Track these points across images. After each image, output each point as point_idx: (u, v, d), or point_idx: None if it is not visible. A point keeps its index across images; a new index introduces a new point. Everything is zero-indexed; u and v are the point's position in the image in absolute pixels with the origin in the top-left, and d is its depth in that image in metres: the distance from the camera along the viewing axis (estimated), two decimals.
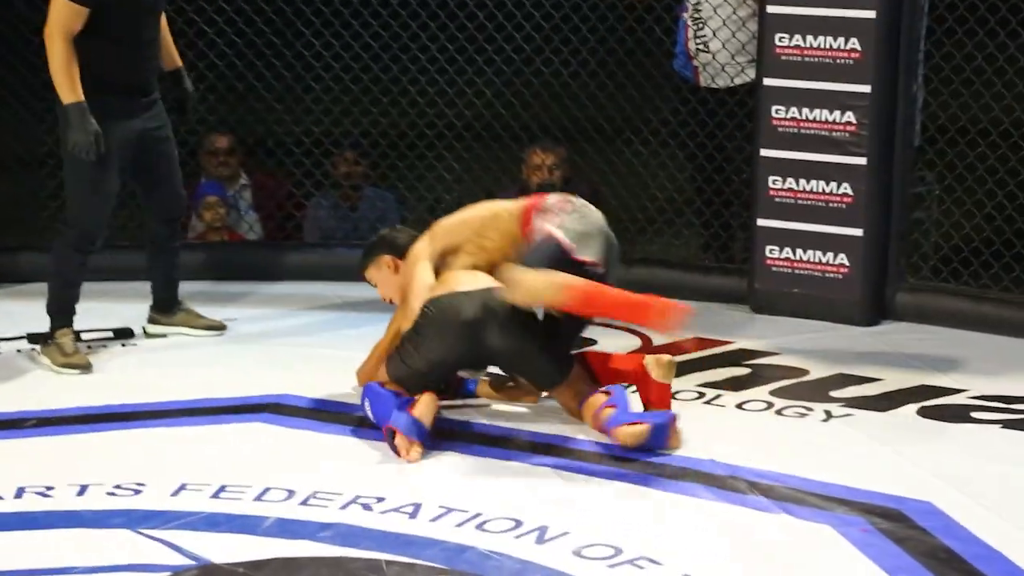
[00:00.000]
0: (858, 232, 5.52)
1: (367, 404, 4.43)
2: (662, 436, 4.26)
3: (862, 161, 5.48)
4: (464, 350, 4.40)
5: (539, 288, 4.26)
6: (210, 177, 6.52)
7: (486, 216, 4.63)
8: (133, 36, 4.87)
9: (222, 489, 3.99)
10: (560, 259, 4.35)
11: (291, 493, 3.97)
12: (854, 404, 4.68)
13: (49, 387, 4.84)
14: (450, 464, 4.23)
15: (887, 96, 5.47)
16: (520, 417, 4.56)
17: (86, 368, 4.96)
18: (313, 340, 5.36)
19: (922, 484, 4.04)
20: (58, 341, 4.99)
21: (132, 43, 4.86)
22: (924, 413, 4.62)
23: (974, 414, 4.60)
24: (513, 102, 6.27)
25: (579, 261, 4.37)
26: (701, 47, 5.92)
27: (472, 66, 6.21)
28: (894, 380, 4.92)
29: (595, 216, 4.55)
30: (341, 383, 4.84)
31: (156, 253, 5.26)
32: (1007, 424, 4.51)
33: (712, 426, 4.51)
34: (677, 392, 4.77)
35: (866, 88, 5.43)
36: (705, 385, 4.86)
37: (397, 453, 4.23)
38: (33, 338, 5.17)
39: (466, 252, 4.59)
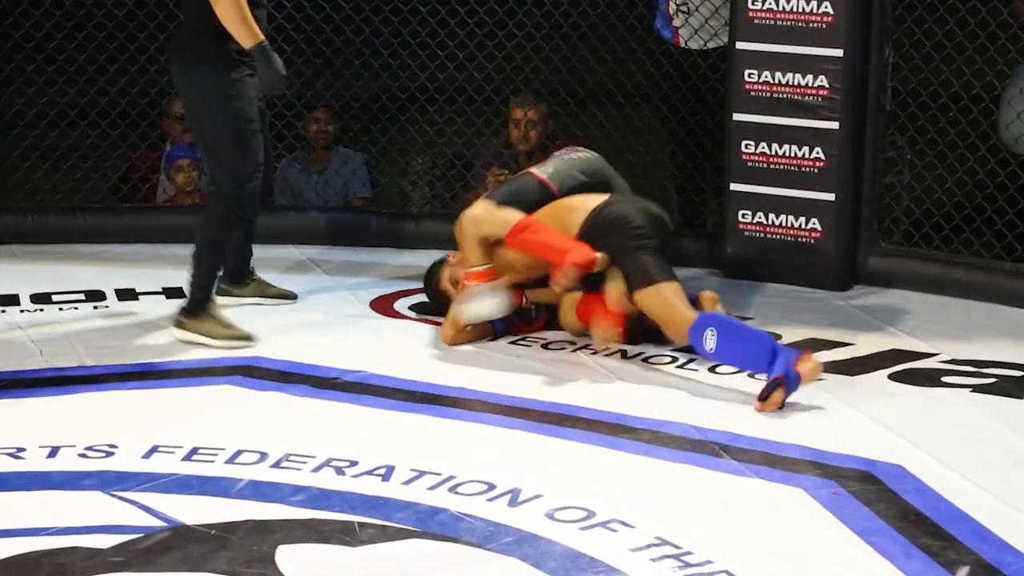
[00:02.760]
0: (830, 197, 5.52)
1: (711, 337, 4.40)
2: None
3: (834, 125, 5.47)
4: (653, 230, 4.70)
5: (485, 220, 4.79)
6: (176, 141, 6.48)
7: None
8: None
9: (194, 451, 3.98)
10: (533, 189, 4.89)
11: (263, 456, 3.96)
12: (826, 368, 4.65)
13: (18, 349, 4.81)
14: (422, 427, 4.23)
15: (859, 60, 5.46)
16: (494, 380, 4.56)
17: (250, 340, 4.81)
18: (285, 302, 5.33)
19: (893, 447, 4.07)
20: (213, 314, 4.83)
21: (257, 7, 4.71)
22: (895, 377, 4.64)
23: (945, 378, 4.62)
24: (486, 65, 6.24)
25: (552, 192, 4.89)
26: (681, 7, 5.90)
27: (444, 28, 6.18)
28: (866, 344, 4.94)
29: (594, 160, 5.03)
30: (313, 346, 4.85)
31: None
32: (977, 388, 4.53)
33: (685, 391, 4.53)
34: (649, 357, 4.79)
35: (838, 52, 5.43)
36: (678, 350, 4.85)
37: (763, 401, 4.28)
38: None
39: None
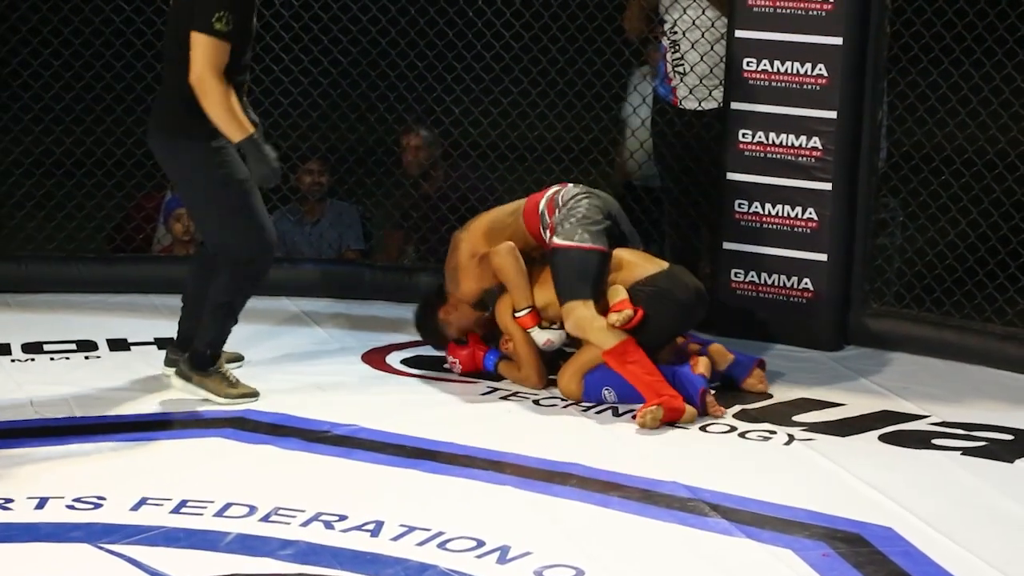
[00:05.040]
0: (823, 257, 5.54)
1: (609, 392, 4.80)
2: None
3: (827, 186, 5.50)
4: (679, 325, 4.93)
5: (591, 335, 4.79)
6: (173, 188, 6.48)
7: (508, 228, 5.04)
8: (242, 67, 4.69)
9: (183, 504, 3.96)
10: (581, 260, 4.84)
11: (252, 509, 3.95)
12: (816, 428, 4.70)
13: (8, 399, 4.79)
14: (412, 482, 4.22)
15: (852, 122, 5.49)
16: (484, 436, 4.55)
17: (255, 397, 4.78)
18: (277, 355, 5.34)
19: (882, 509, 4.06)
20: (220, 370, 4.78)
21: (240, 73, 4.67)
22: (885, 439, 4.64)
23: (935, 440, 4.62)
24: (481, 120, 6.28)
25: (590, 250, 4.86)
26: (677, 68, 5.94)
27: (441, 84, 6.22)
28: (857, 405, 4.94)
29: (599, 201, 4.99)
30: (304, 399, 4.84)
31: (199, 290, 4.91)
32: (967, 451, 4.53)
33: (675, 448, 4.53)
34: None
35: (832, 114, 5.46)
36: None
37: (706, 412, 4.69)
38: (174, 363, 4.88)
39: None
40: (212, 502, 3.97)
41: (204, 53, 4.51)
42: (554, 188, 5.09)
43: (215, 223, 4.74)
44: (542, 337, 4.96)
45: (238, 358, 5.15)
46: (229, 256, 4.73)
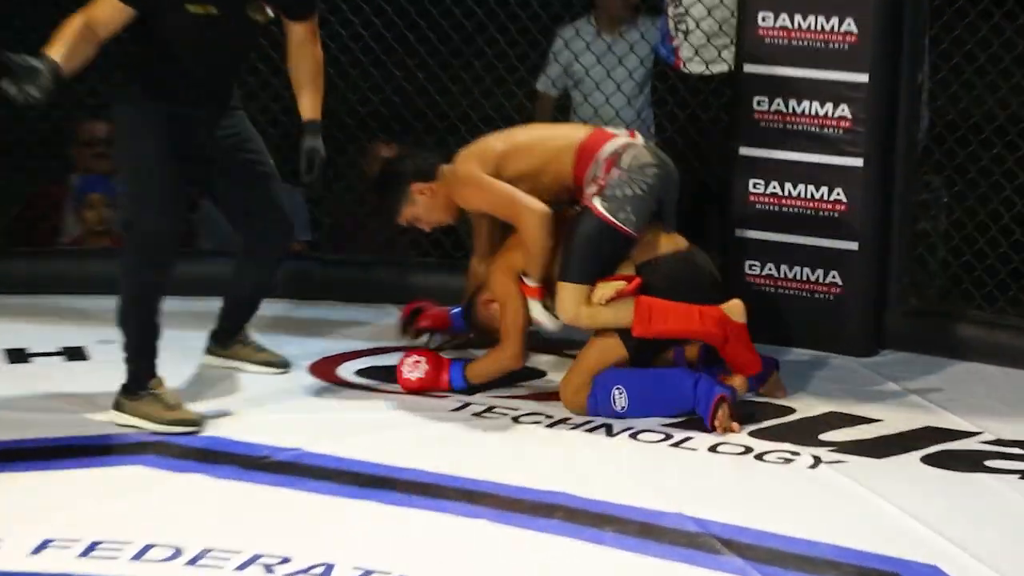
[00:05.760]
0: (853, 246, 5.55)
1: (620, 395, 4.87)
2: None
3: (858, 162, 5.51)
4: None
5: (604, 318, 4.90)
6: (90, 171, 6.46)
7: (549, 153, 5.07)
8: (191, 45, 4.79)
9: (94, 546, 3.93)
10: (610, 240, 4.91)
11: (178, 552, 3.91)
12: (847, 449, 4.69)
13: None
14: (368, 516, 4.20)
15: (887, 87, 5.50)
16: (455, 460, 4.53)
17: (198, 424, 4.77)
18: (207, 366, 5.33)
19: (926, 544, 4.05)
20: (155, 391, 4.78)
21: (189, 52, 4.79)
22: (929, 460, 4.64)
23: (988, 462, 4.62)
24: (432, 94, 6.30)
25: (625, 234, 4.92)
26: (680, 25, 5.92)
27: (391, 56, 6.22)
28: (894, 421, 4.94)
29: (649, 163, 4.99)
30: (240, 418, 4.83)
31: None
32: None
33: (681, 473, 4.51)
34: (638, 433, 4.77)
35: (863, 77, 5.47)
36: (672, 425, 4.85)
37: (714, 427, 4.75)
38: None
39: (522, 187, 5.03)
40: (130, 543, 3.94)
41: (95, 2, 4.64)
42: (623, 140, 5.07)
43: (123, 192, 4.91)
44: (541, 315, 5.03)
45: (280, 363, 5.29)
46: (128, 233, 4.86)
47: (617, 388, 4.90)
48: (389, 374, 5.26)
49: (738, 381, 4.98)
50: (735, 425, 4.80)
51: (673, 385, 4.90)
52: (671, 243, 5.05)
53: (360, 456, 4.55)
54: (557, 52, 6.42)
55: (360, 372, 5.34)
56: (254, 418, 4.85)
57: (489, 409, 4.99)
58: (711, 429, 4.77)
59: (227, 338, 5.33)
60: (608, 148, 5.03)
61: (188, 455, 4.56)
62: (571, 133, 5.14)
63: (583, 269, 4.94)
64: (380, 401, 5.08)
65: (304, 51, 5.03)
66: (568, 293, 4.94)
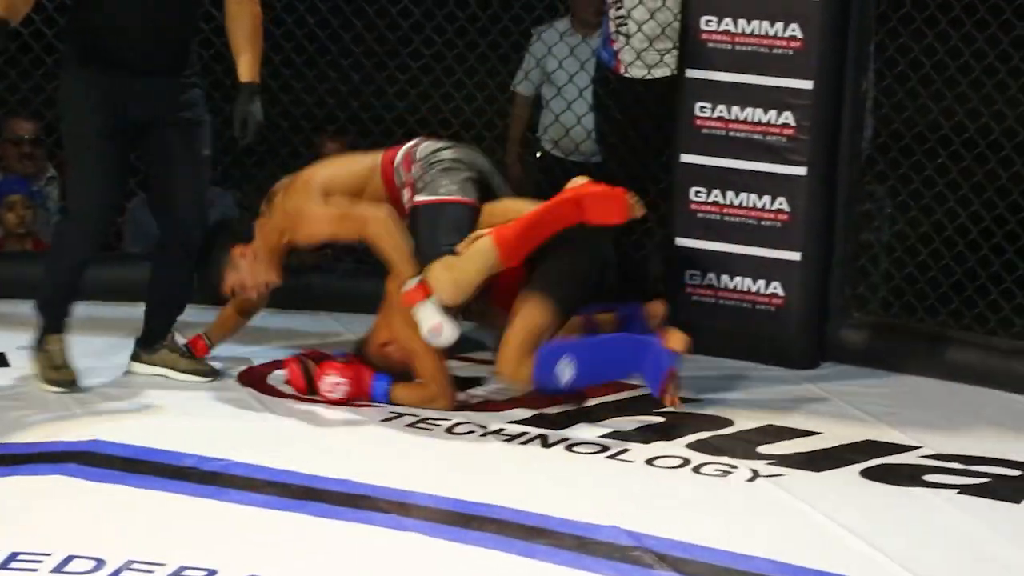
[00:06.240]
0: (795, 256, 5.59)
1: (567, 366, 4.86)
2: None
3: (801, 171, 5.54)
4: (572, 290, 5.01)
5: (472, 267, 4.88)
6: (10, 171, 6.43)
7: (361, 176, 5.18)
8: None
9: (12, 558, 3.90)
10: (445, 215, 4.98)
11: (100, 563, 3.90)
12: (786, 462, 4.72)
13: None
14: (298, 529, 4.19)
15: (832, 94, 5.54)
16: (386, 471, 4.54)
17: (71, 386, 4.97)
18: (132, 374, 5.31)
19: (864, 560, 4.07)
20: (47, 348, 5.04)
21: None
22: (868, 475, 4.67)
23: (927, 477, 4.66)
24: (369, 98, 6.30)
25: (456, 203, 5.01)
26: (621, 28, 5.95)
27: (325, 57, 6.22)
28: (834, 434, 4.97)
29: (460, 152, 5.14)
30: (166, 427, 4.81)
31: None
32: (965, 489, 4.57)
33: (616, 485, 4.53)
34: (574, 445, 4.80)
35: (807, 84, 5.50)
36: (609, 436, 4.87)
37: (664, 398, 4.94)
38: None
39: None
40: (49, 555, 3.91)
41: None
42: (411, 142, 5.23)
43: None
44: (433, 318, 4.92)
45: (208, 371, 5.28)
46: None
47: (565, 359, 4.90)
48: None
49: (676, 340, 4.95)
50: (677, 400, 4.96)
51: (620, 350, 4.98)
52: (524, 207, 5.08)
53: (289, 467, 4.54)
54: (533, 50, 6.45)
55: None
56: (180, 427, 4.84)
57: (422, 420, 5.00)
58: (659, 397, 4.95)
59: (153, 342, 5.31)
60: (401, 152, 5.19)
61: (111, 464, 4.54)
62: (371, 155, 5.26)
63: (438, 246, 4.94)
64: (310, 411, 5.07)
65: (242, 9, 5.06)
66: (433, 271, 4.91)
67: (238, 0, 5.05)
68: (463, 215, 5.02)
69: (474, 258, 4.91)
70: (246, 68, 5.06)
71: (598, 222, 4.95)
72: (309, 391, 5.13)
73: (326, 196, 5.12)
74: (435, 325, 4.93)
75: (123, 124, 4.92)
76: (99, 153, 4.94)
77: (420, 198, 5.06)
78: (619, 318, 5.30)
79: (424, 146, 5.19)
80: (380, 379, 5.09)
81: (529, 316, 4.94)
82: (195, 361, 5.31)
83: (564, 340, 4.98)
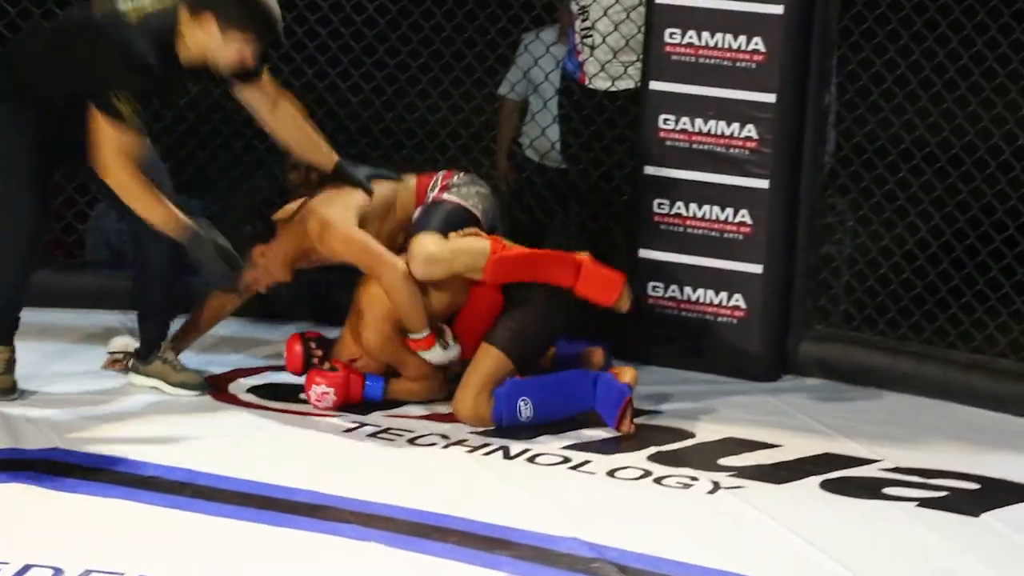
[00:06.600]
0: (757, 268, 5.60)
1: (525, 405, 4.97)
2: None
3: (764, 184, 5.56)
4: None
5: (458, 252, 5.02)
6: None
7: (391, 196, 5.25)
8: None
9: None
10: (459, 219, 5.13)
11: (58, 572, 3.88)
12: (747, 474, 4.74)
13: None
14: (260, 538, 4.18)
15: (794, 107, 5.56)
16: (349, 481, 4.53)
17: (9, 392, 4.98)
18: (94, 382, 5.29)
19: (824, 572, 4.08)
20: None
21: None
22: (828, 487, 4.69)
23: (886, 489, 4.68)
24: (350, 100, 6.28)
25: (474, 215, 5.18)
26: (586, 40, 5.96)
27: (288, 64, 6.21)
28: (795, 447, 4.99)
29: (482, 184, 5.31)
30: (127, 436, 4.80)
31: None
32: (925, 502, 4.59)
33: (578, 497, 4.53)
34: (535, 456, 4.80)
35: (770, 97, 5.52)
36: (571, 448, 4.88)
37: (622, 427, 4.96)
38: None
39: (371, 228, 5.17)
40: (7, 563, 3.90)
41: (108, 139, 4.74)
42: (444, 172, 5.32)
43: None
44: (443, 357, 5.14)
45: (198, 384, 5.23)
46: None
47: (523, 400, 4.99)
48: (283, 392, 5.26)
49: (628, 376, 5.08)
50: (633, 426, 4.97)
51: (574, 387, 5.04)
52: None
53: (252, 476, 4.53)
54: (519, 57, 6.45)
55: (254, 390, 5.32)
56: (142, 436, 4.83)
57: (385, 430, 4.99)
58: (614, 428, 4.96)
59: (147, 353, 5.27)
60: (438, 176, 5.29)
61: (71, 473, 4.52)
62: (404, 180, 5.32)
63: (438, 226, 5.09)
64: (273, 420, 5.07)
65: (281, 107, 5.09)
66: (426, 236, 5.05)
67: (272, 100, 5.10)
68: (472, 223, 5.16)
69: (464, 247, 5.05)
70: (326, 153, 5.21)
71: (585, 295, 5.09)
72: (304, 371, 5.20)
73: (362, 221, 5.14)
74: (452, 358, 5.15)
75: (62, 149, 4.94)
76: (38, 182, 4.95)
77: (447, 196, 5.20)
78: (556, 356, 5.32)
79: (459, 176, 5.30)
80: (373, 379, 5.14)
81: (489, 363, 5.03)
82: (186, 373, 5.25)
83: (520, 379, 5.04)
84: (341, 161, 5.24)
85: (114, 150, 4.75)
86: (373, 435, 4.96)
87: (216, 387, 5.32)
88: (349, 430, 4.99)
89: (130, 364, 5.30)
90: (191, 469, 4.57)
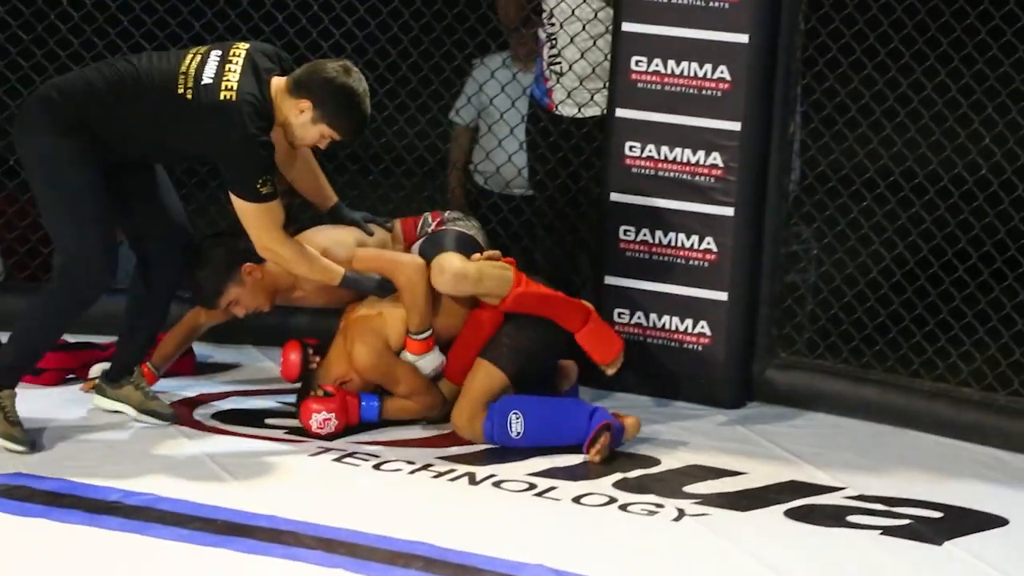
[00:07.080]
0: (722, 296, 5.61)
1: (516, 420, 5.03)
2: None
3: (729, 212, 5.57)
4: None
5: (487, 277, 5.14)
6: None
7: (384, 239, 5.35)
8: None
9: None
10: (469, 245, 5.25)
11: None
12: (711, 502, 4.74)
13: None
14: (222, 564, 4.18)
15: (759, 136, 5.57)
16: (313, 507, 4.53)
17: (29, 445, 4.85)
18: (60, 407, 5.27)
19: None
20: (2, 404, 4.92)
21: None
22: (793, 515, 4.70)
23: (851, 517, 4.69)
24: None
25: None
26: (553, 67, 5.97)
27: None
28: (760, 474, 5.00)
29: (473, 218, 5.49)
30: (91, 461, 4.79)
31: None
32: (888, 531, 4.61)
33: (543, 524, 4.54)
34: (501, 482, 4.81)
35: (735, 125, 5.54)
36: (536, 474, 4.88)
37: (591, 450, 5.00)
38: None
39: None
40: None
41: (259, 222, 4.88)
42: (431, 212, 5.45)
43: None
44: (435, 363, 5.20)
45: (167, 415, 5.20)
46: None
47: (515, 413, 5.04)
48: (248, 417, 5.25)
49: (630, 422, 5.12)
50: (599, 457, 4.98)
51: (569, 416, 5.08)
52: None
53: (215, 502, 4.53)
54: (466, 82, 6.47)
55: (219, 415, 5.30)
56: (105, 460, 4.81)
57: (350, 455, 4.99)
58: (584, 450, 5.00)
59: (119, 377, 5.22)
60: (426, 216, 5.41)
61: (34, 498, 4.51)
62: (393, 226, 5.42)
63: (454, 248, 5.20)
64: (237, 445, 5.05)
65: (300, 151, 5.19)
66: (452, 255, 5.16)
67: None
68: (469, 243, 5.27)
69: (491, 272, 5.16)
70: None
71: (583, 344, 5.24)
72: (299, 378, 5.27)
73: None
74: (438, 365, 5.21)
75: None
76: (106, 218, 4.97)
77: (451, 226, 5.32)
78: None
79: (449, 212, 5.45)
80: (368, 399, 5.16)
81: (487, 379, 5.12)
82: (156, 402, 5.21)
83: (516, 396, 5.11)
84: (340, 203, 5.33)
85: (266, 230, 4.88)
86: (338, 460, 4.95)
87: (181, 412, 5.30)
88: (314, 455, 4.98)
89: (97, 383, 5.28)
90: (155, 495, 4.56)
